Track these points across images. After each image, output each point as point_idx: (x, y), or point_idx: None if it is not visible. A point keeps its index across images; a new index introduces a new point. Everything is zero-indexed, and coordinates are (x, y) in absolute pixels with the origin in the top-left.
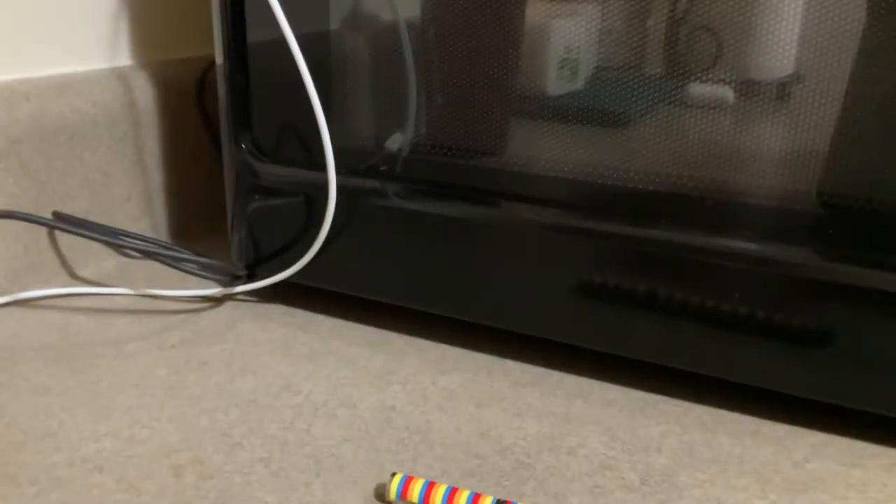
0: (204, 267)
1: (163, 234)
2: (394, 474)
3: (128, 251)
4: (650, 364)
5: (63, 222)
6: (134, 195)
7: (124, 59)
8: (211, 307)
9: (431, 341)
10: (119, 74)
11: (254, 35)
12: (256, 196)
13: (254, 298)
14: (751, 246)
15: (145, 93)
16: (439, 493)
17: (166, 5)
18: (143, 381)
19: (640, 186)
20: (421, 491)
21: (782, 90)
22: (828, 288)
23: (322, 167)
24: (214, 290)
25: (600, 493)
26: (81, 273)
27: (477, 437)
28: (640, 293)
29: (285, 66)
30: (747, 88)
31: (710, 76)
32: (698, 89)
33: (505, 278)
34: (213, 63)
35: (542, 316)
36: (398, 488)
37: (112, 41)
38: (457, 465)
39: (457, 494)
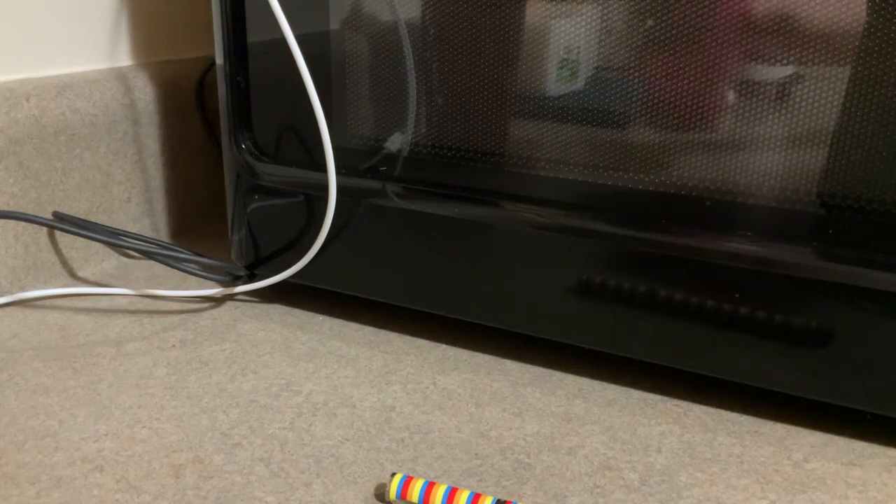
0: (204, 267)
1: (163, 234)
2: (394, 474)
3: (128, 251)
4: (650, 364)
5: (63, 222)
6: (134, 195)
7: (124, 59)
8: (211, 307)
9: (431, 341)
10: (119, 74)
11: (254, 35)
12: (256, 196)
13: (254, 298)
14: (751, 246)
15: (145, 93)
16: (439, 493)
17: (166, 5)
18: (143, 381)
19: (640, 186)
20: (421, 491)
21: (782, 90)
22: (828, 288)
23: (322, 167)
24: (214, 291)
25: (600, 493)
26: (81, 273)
27: (477, 437)
28: (640, 293)
29: (285, 66)
30: (747, 88)
31: (710, 76)
32: (698, 89)
33: (505, 278)
34: (213, 63)
35: (542, 316)
36: (398, 488)
37: (112, 41)
38: (457, 465)
39: (457, 494)
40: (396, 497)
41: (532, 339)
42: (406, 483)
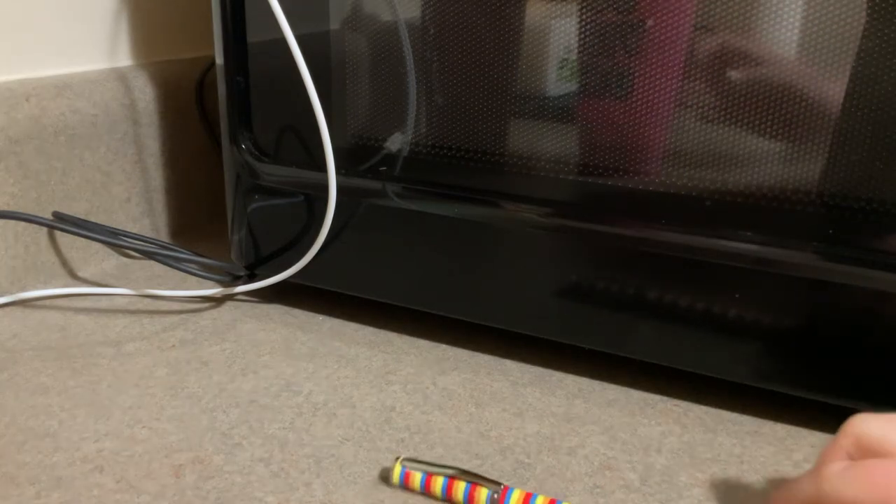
0: (204, 267)
1: (163, 234)
2: (398, 458)
3: (128, 251)
4: (650, 364)
5: (63, 222)
6: (134, 195)
7: (124, 59)
8: (211, 307)
9: (431, 341)
10: (119, 74)
11: (254, 35)
12: (256, 196)
13: (254, 298)
14: (751, 246)
15: (145, 93)
16: (438, 482)
17: (166, 5)
18: (143, 381)
19: (640, 186)
20: (421, 480)
21: (782, 89)
22: (828, 288)
23: (322, 167)
24: (214, 291)
25: (600, 493)
26: (81, 273)
27: (477, 437)
28: (640, 293)
29: (285, 65)
30: (747, 88)
31: (710, 76)
32: (698, 89)
33: (505, 278)
34: (213, 63)
35: (543, 316)
36: (401, 475)
37: (112, 41)
38: (457, 465)
39: (454, 484)
40: (399, 482)
41: (532, 339)
42: (406, 476)
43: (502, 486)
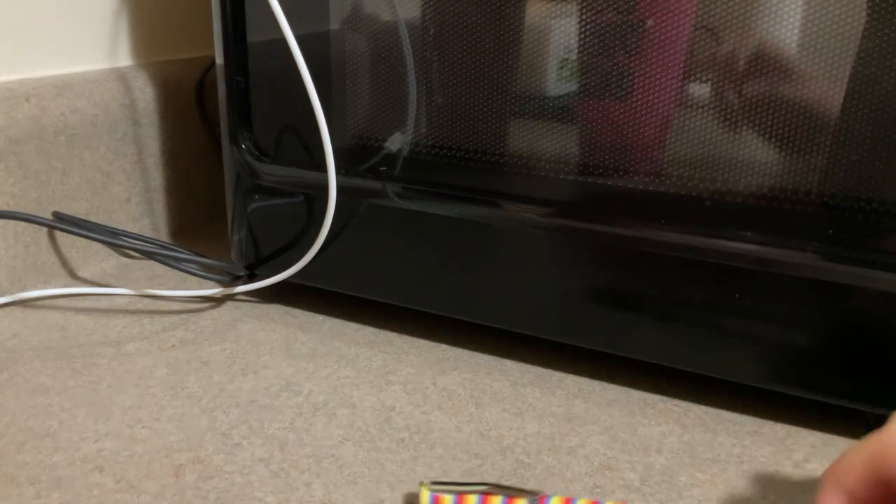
0: (204, 267)
1: (163, 234)
2: (422, 483)
3: (128, 251)
4: (650, 364)
5: (63, 222)
6: (134, 195)
7: (124, 59)
8: (211, 307)
9: (431, 341)
10: (119, 74)
11: (254, 35)
12: (256, 196)
13: (254, 298)
14: (751, 246)
15: (145, 93)
16: (472, 499)
17: (166, 5)
18: (143, 381)
19: (640, 186)
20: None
21: (782, 90)
22: (828, 288)
23: (322, 167)
24: (214, 291)
25: (600, 493)
26: (81, 273)
27: (477, 437)
28: (640, 293)
29: (285, 65)
30: (747, 88)
31: (710, 76)
32: (698, 89)
33: (505, 278)
34: (213, 63)
35: (543, 316)
36: (430, 501)
37: (112, 41)
38: (457, 464)
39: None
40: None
41: (532, 339)
42: (436, 500)
43: (539, 495)
